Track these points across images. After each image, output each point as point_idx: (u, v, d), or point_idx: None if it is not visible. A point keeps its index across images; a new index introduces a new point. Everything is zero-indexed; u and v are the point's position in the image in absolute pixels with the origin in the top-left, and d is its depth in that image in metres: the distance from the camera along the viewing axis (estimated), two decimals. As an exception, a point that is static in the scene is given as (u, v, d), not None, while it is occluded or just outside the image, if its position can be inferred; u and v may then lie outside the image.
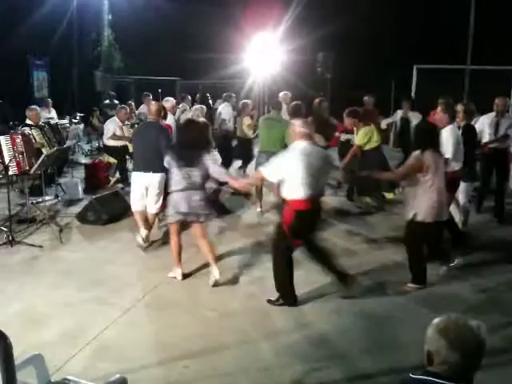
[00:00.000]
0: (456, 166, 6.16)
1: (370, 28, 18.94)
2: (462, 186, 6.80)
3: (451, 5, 17.75)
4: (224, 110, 10.63)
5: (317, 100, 9.49)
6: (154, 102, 7.19)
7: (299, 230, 4.95)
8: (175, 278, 5.65)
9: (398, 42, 19.21)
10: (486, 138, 7.68)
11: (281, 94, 10.65)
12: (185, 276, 5.71)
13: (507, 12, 17.50)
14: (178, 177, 5.38)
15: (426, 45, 18.42)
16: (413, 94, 13.20)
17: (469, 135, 6.75)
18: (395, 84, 16.97)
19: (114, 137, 9.62)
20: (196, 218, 5.44)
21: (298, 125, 5.06)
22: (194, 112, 9.99)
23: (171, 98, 9.59)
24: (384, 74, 18.19)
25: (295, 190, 4.86)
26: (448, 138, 6.07)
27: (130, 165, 10.10)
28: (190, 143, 5.50)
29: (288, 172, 4.87)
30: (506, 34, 17.98)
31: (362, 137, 8.00)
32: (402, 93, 11.69)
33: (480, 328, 2.00)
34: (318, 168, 4.93)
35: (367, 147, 8.03)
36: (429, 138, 5.36)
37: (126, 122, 9.48)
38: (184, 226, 5.72)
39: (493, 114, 7.72)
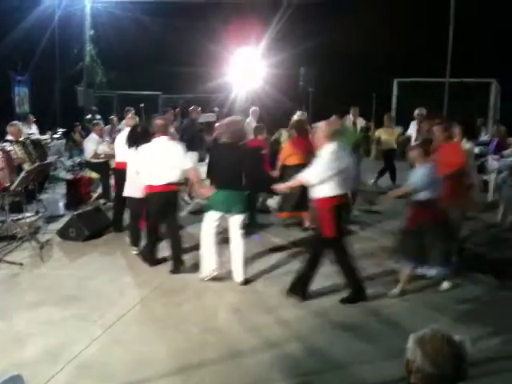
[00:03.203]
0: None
1: (351, 42, 19.17)
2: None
3: (431, 19, 18.07)
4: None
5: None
6: None
7: None
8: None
9: (379, 57, 19.47)
10: None
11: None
12: (167, 291, 5.70)
13: (485, 26, 17.90)
14: None
15: (406, 59, 18.70)
16: (393, 106, 13.36)
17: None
18: (376, 97, 17.17)
19: (96, 155, 9.58)
20: None
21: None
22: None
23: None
24: (365, 87, 18.39)
25: None
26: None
27: (112, 180, 10.07)
28: None
29: None
30: (484, 47, 18.36)
31: None
32: (382, 106, 11.91)
33: (462, 343, 2.04)
34: None
35: None
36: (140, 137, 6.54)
37: (107, 138, 9.45)
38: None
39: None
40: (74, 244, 7.38)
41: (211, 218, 5.90)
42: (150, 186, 6.23)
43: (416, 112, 10.79)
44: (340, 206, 5.35)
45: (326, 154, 5.32)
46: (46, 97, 18.86)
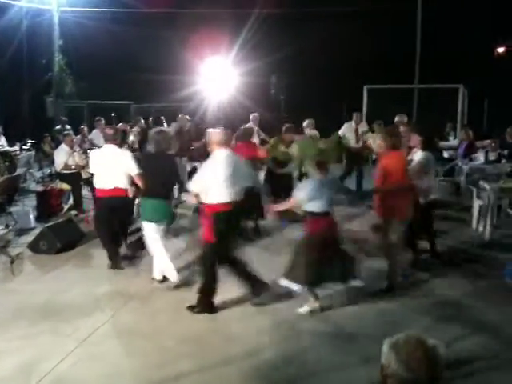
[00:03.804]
0: None
1: (322, 51, 19.39)
2: None
3: (399, 28, 18.42)
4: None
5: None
6: None
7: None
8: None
9: (348, 64, 19.73)
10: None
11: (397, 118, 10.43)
12: (141, 302, 5.64)
13: (451, 34, 18.32)
14: None
15: (375, 66, 19.00)
16: (364, 113, 13.49)
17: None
18: (347, 104, 17.37)
19: (67, 167, 9.48)
20: None
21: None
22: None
23: None
24: (336, 94, 18.60)
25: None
26: None
27: (84, 191, 9.95)
28: None
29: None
30: (450, 54, 18.76)
31: None
32: (353, 112, 11.96)
33: (435, 347, 2.06)
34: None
35: None
36: None
37: (78, 149, 9.33)
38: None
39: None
40: (45, 257, 7.24)
41: (149, 228, 6.02)
42: (99, 190, 6.58)
43: (396, 119, 10.26)
44: (227, 214, 5.22)
45: (212, 161, 5.30)
46: (14, 108, 18.60)
